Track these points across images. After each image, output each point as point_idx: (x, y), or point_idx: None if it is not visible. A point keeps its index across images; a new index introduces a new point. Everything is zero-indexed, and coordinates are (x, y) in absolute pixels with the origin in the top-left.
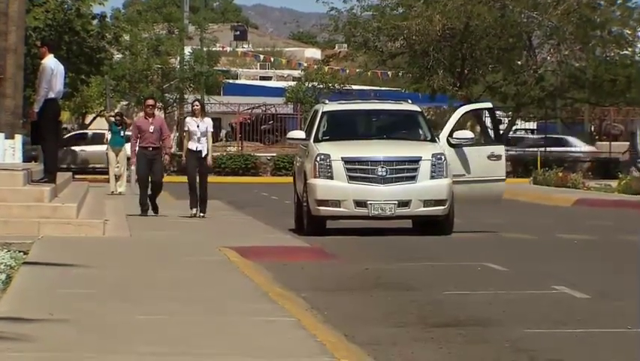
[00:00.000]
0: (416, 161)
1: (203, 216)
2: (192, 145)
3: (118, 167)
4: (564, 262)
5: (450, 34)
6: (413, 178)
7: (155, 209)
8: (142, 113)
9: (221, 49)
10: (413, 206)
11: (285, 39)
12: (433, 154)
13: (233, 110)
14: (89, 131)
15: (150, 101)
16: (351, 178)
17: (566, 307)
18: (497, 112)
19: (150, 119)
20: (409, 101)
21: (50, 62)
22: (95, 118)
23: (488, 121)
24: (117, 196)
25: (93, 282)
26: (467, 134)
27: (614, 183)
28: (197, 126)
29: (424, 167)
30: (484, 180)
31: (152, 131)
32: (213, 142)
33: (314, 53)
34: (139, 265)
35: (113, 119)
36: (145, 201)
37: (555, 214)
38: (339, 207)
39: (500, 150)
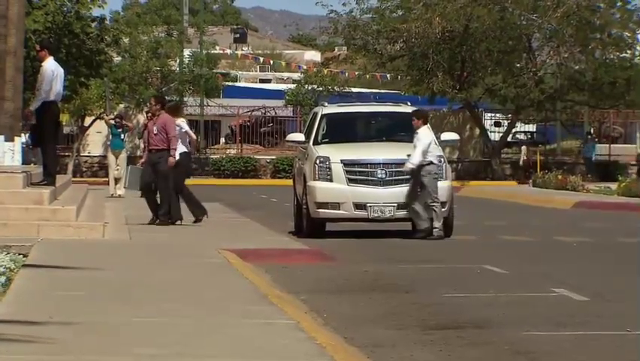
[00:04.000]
0: None
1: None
2: None
3: (117, 169)
4: (563, 264)
5: (449, 36)
6: None
7: (155, 217)
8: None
9: (220, 51)
10: None
11: (284, 42)
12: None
13: (233, 112)
14: None
15: (152, 100)
16: (350, 181)
17: (566, 309)
18: (497, 115)
19: (154, 119)
20: (409, 104)
21: (51, 64)
22: (94, 120)
23: (488, 123)
24: (117, 199)
25: (93, 284)
26: (453, 135)
27: (613, 186)
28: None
29: None
30: None
31: (155, 132)
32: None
33: (313, 55)
34: (138, 267)
35: (112, 122)
36: (153, 207)
37: (555, 217)
38: (339, 209)
39: None
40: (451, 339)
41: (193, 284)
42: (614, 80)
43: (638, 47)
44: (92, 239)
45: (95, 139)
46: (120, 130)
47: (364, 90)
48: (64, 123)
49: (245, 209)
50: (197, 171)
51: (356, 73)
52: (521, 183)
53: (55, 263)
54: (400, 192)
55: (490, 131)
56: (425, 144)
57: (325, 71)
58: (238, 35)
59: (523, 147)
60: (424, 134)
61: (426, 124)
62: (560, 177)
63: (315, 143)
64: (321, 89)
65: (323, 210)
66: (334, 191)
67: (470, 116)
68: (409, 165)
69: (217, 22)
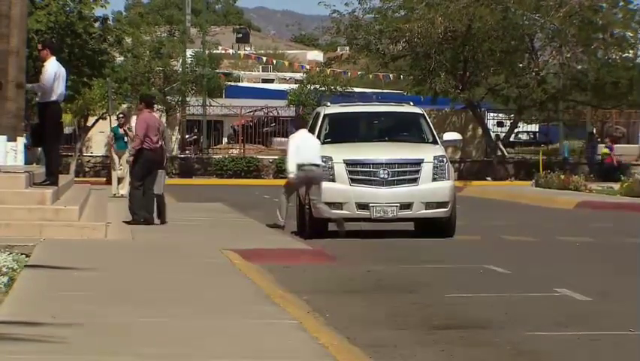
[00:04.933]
0: (418, 163)
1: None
2: None
3: (121, 169)
4: (566, 264)
5: (452, 36)
6: (415, 180)
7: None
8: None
9: (223, 51)
10: (415, 208)
11: (287, 41)
12: (434, 156)
13: (236, 112)
14: None
15: None
16: (353, 181)
17: (568, 309)
18: (500, 115)
19: None
20: (411, 104)
21: (53, 65)
22: (97, 120)
23: (490, 123)
24: (119, 199)
25: (95, 284)
26: (455, 135)
27: (616, 186)
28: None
29: (426, 169)
30: None
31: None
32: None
33: (316, 55)
34: (141, 267)
35: (117, 121)
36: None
37: (557, 217)
38: (341, 209)
39: None
40: (453, 339)
41: (195, 284)
42: (616, 80)
43: None
44: (94, 239)
45: (98, 139)
46: (123, 132)
47: (367, 90)
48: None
49: (247, 209)
50: (199, 171)
51: (358, 73)
52: (496, 180)
53: (57, 263)
54: (403, 192)
55: (493, 132)
56: (288, 150)
57: (328, 71)
58: (240, 35)
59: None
60: (290, 139)
61: (299, 129)
62: (562, 177)
63: None
64: (323, 89)
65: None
66: (337, 191)
67: (473, 116)
68: (290, 176)
69: (219, 22)
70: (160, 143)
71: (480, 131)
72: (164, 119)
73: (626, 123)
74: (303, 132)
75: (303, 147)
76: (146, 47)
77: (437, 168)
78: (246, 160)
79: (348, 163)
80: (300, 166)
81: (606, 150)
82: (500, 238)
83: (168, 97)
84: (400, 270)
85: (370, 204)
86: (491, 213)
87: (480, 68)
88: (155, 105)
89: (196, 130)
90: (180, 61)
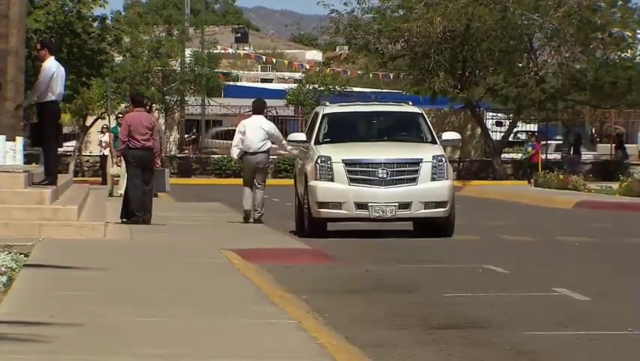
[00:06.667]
0: (417, 163)
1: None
2: None
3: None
4: (565, 264)
5: (451, 36)
6: (414, 180)
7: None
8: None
9: (222, 51)
10: (414, 208)
11: (286, 41)
12: (433, 156)
13: (234, 112)
14: None
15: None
16: (351, 180)
17: (567, 309)
18: (498, 114)
19: None
20: (410, 103)
21: (52, 64)
22: (95, 120)
23: (489, 123)
24: (118, 198)
25: (94, 284)
26: (454, 135)
27: (615, 186)
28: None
29: (425, 169)
30: None
31: None
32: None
33: (315, 55)
34: (140, 267)
35: (116, 121)
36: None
37: (556, 217)
38: (340, 209)
39: None
40: (452, 339)
41: (194, 284)
42: (615, 80)
43: (639, 47)
44: (93, 239)
45: (97, 139)
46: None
47: (366, 90)
48: (65, 123)
49: None
50: (197, 171)
51: (357, 72)
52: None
53: (56, 263)
54: (402, 192)
55: (492, 131)
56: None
57: (327, 71)
58: (239, 35)
59: None
60: (239, 125)
61: (255, 114)
62: (561, 176)
63: (317, 142)
64: (322, 88)
65: (324, 210)
66: (335, 191)
67: (471, 116)
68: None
69: (218, 21)
70: (151, 142)
71: (479, 130)
72: (162, 120)
73: (625, 123)
74: (256, 118)
75: (250, 134)
76: (144, 46)
77: (436, 167)
78: None
79: (347, 163)
80: (244, 153)
81: (530, 149)
82: (499, 237)
83: (167, 97)
84: (399, 270)
85: (369, 204)
86: (490, 213)
87: (479, 67)
88: (155, 105)
89: (195, 130)
90: (179, 60)
